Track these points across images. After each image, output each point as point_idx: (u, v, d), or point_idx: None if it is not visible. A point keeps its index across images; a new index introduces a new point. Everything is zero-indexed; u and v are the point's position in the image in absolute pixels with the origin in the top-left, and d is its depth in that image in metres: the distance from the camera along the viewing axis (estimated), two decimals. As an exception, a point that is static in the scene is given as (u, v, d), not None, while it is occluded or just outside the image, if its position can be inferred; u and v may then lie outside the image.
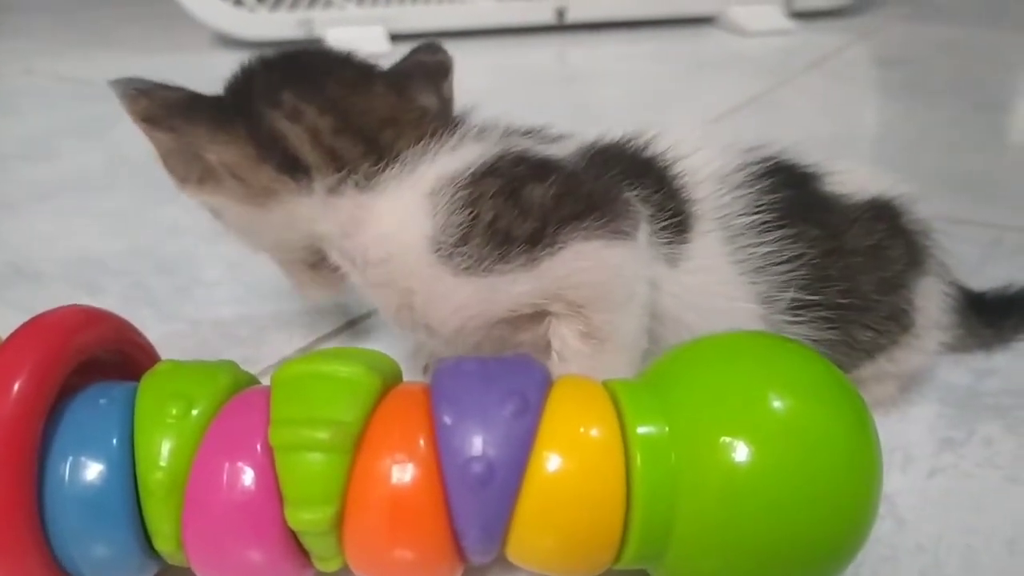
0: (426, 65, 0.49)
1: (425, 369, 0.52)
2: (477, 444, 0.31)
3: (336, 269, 0.47)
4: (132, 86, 0.43)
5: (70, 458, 0.32)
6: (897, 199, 0.47)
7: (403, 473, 0.32)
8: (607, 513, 0.32)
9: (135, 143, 0.92)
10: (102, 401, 0.33)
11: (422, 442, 0.32)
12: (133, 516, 0.32)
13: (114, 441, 0.32)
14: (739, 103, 1.08)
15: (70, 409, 0.33)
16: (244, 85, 0.45)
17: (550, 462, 0.32)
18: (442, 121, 0.45)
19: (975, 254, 0.68)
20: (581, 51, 1.40)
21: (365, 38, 1.29)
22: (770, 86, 1.15)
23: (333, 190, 0.43)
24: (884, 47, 1.40)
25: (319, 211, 0.44)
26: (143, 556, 0.33)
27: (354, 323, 0.59)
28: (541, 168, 0.41)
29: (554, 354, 0.42)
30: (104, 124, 0.99)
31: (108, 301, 0.62)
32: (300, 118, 0.43)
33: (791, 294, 0.43)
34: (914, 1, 1.68)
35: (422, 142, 0.43)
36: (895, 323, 0.46)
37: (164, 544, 0.33)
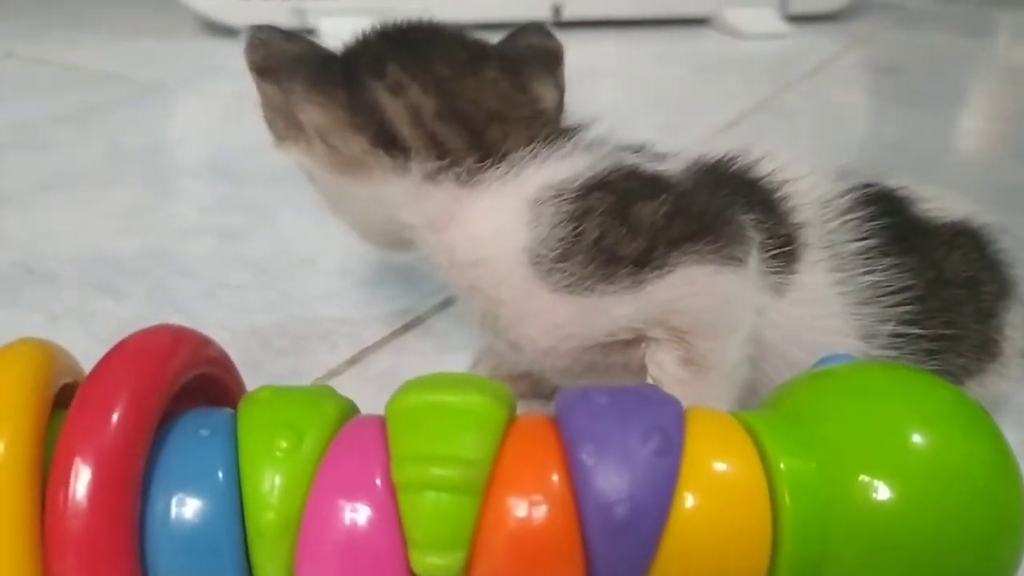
0: (540, 51, 0.46)
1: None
2: (620, 485, 0.29)
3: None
4: (260, 34, 0.42)
5: (174, 495, 0.29)
6: (986, 226, 0.46)
7: (537, 516, 0.29)
8: (753, 557, 0.30)
9: (133, 134, 0.89)
10: (203, 432, 0.30)
11: (556, 482, 0.30)
12: (241, 558, 0.29)
13: (220, 477, 0.29)
14: (747, 109, 1.07)
15: (168, 441, 0.30)
16: (356, 51, 0.44)
17: (694, 503, 0.30)
18: (555, 123, 0.42)
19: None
20: (577, 49, 1.37)
21: (359, 29, 1.25)
22: (775, 91, 1.14)
23: (430, 177, 0.41)
24: (880, 53, 1.40)
25: (409, 196, 0.41)
26: (247, 601, 0.30)
27: (398, 333, 0.56)
28: (652, 185, 0.39)
29: (649, 379, 0.39)
30: (98, 112, 0.94)
31: (132, 305, 0.59)
32: (402, 93, 0.41)
33: (892, 327, 0.41)
34: (903, 7, 1.69)
35: (532, 144, 0.40)
36: (985, 352, 0.44)
37: (271, 589, 0.30)
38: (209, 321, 0.57)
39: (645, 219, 0.38)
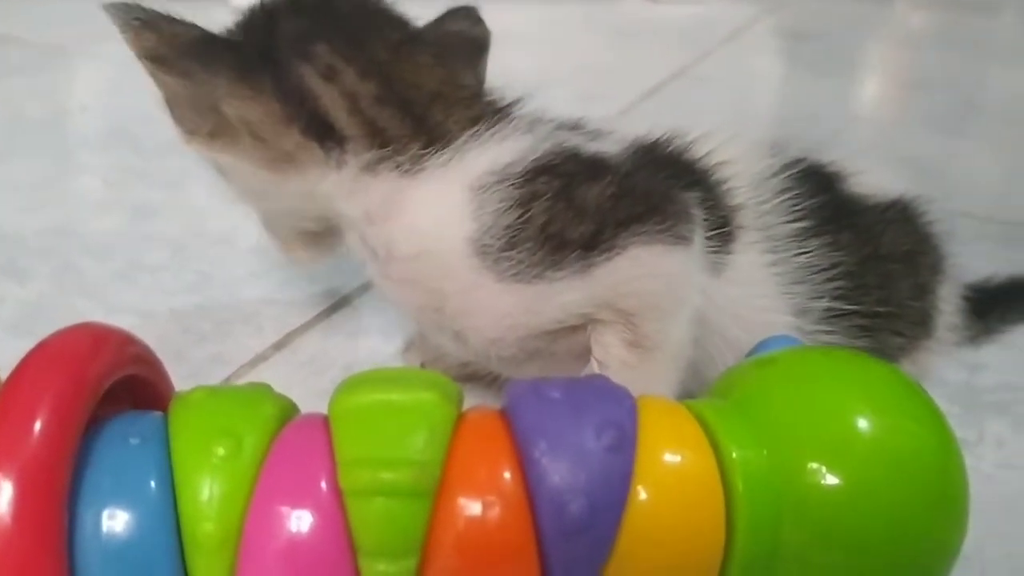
0: (465, 37, 0.45)
1: (421, 368, 0.48)
2: (575, 483, 0.28)
3: (335, 240, 0.43)
4: (134, 15, 0.38)
5: (104, 509, 0.27)
6: (917, 201, 0.47)
7: (489, 516, 0.28)
8: (708, 547, 0.30)
9: (32, 101, 0.84)
10: (133, 440, 0.29)
11: (508, 480, 0.29)
12: (178, 572, 0.28)
13: (152, 487, 0.28)
14: (666, 77, 1.06)
15: (95, 451, 0.28)
16: (265, 29, 0.40)
17: (648, 497, 0.29)
18: (490, 105, 0.41)
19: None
20: (494, 14, 1.35)
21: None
22: (692, 59, 1.14)
23: (369, 168, 0.39)
24: (790, 20, 1.41)
25: (345, 190, 0.39)
26: (185, 616, 0.29)
27: (325, 315, 0.54)
28: (595, 167, 0.38)
29: (593, 362, 0.39)
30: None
31: (37, 287, 0.56)
32: (336, 78, 0.39)
33: (825, 303, 0.42)
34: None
35: (474, 127, 0.39)
36: (921, 328, 0.45)
37: (211, 602, 0.28)
38: (123, 305, 0.54)
39: (591, 201, 0.37)
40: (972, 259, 0.60)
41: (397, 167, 0.39)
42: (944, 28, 1.45)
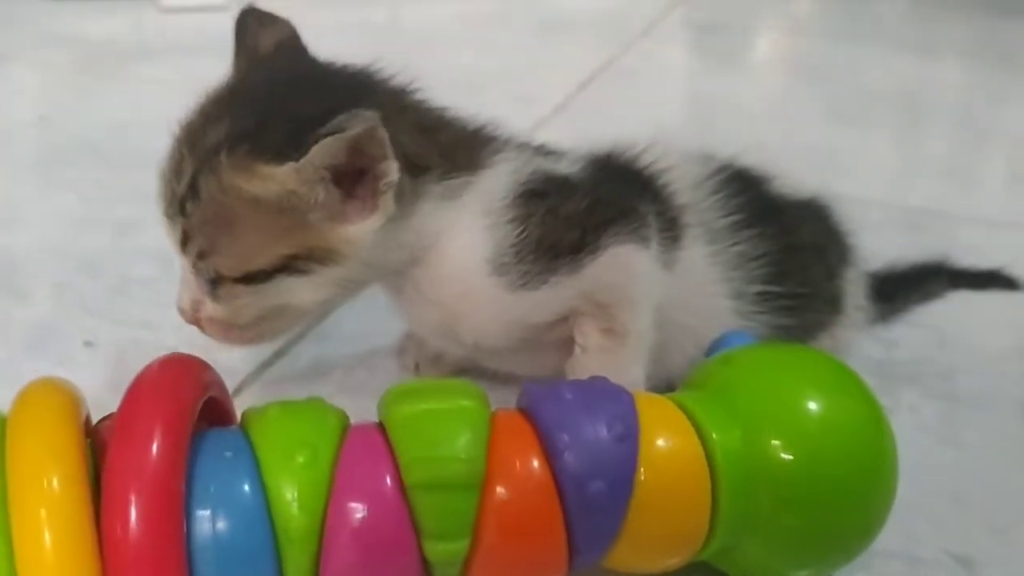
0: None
1: (416, 368, 0.54)
2: (593, 469, 0.35)
3: None
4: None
5: (213, 513, 0.33)
6: (829, 201, 0.55)
7: (524, 500, 0.35)
8: (698, 516, 0.37)
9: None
10: (227, 454, 0.34)
11: (537, 468, 0.35)
12: (275, 563, 0.33)
13: (247, 491, 0.33)
14: (592, 71, 1.12)
15: (198, 463, 0.33)
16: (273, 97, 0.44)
17: (650, 477, 0.36)
18: (483, 131, 0.47)
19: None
20: (414, 13, 1.39)
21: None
22: (614, 53, 1.21)
23: (446, 193, 0.44)
24: (700, 11, 1.49)
25: (416, 225, 0.44)
26: (276, 598, 0.34)
27: (317, 320, 0.59)
28: (568, 185, 0.45)
29: (577, 348, 0.46)
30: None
31: (41, 308, 0.59)
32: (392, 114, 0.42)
33: (757, 287, 0.49)
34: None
35: (481, 153, 0.45)
36: (832, 306, 0.54)
37: (298, 584, 0.34)
38: (127, 318, 0.58)
39: (572, 212, 0.44)
40: (876, 244, 0.69)
41: (450, 194, 0.44)
42: (832, 14, 1.55)
